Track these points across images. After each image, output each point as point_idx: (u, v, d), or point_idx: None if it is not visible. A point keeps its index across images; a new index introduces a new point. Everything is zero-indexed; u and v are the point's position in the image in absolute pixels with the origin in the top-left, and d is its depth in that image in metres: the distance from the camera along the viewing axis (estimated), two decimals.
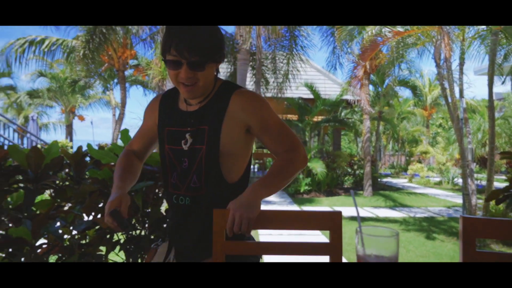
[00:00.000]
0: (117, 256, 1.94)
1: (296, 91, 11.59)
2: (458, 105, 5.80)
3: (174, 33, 1.06)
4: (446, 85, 5.76)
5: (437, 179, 14.02)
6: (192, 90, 1.13)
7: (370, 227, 0.74)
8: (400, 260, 0.68)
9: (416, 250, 4.71)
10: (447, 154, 14.79)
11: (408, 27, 5.91)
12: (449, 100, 5.73)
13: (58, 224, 1.63)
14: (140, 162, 1.39)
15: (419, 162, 17.80)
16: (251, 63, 9.09)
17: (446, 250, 4.69)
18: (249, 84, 10.19)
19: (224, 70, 10.83)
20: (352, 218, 6.74)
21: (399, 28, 6.15)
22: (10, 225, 1.71)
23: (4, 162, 1.82)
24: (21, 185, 1.87)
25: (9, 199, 1.92)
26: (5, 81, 19.95)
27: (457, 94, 5.96)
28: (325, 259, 1.08)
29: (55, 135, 21.76)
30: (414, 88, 12.57)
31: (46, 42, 7.29)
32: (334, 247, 1.07)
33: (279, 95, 10.38)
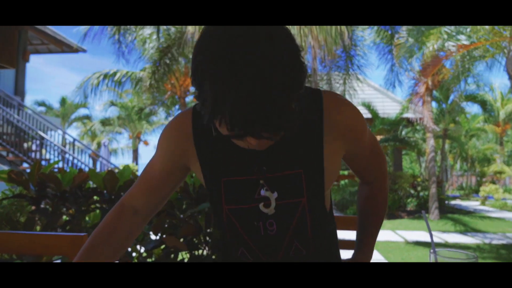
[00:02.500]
0: None
1: None
2: None
3: (228, 98, 0.56)
4: None
5: None
6: (265, 143, 0.70)
7: (445, 250, 0.71)
8: None
9: None
10: None
11: (474, 39, 5.59)
12: None
13: None
14: (143, 224, 0.85)
15: (493, 182, 16.26)
16: (306, 85, 9.13)
17: None
18: None
19: None
20: (417, 243, 6.30)
21: (464, 41, 5.83)
22: None
23: (84, 185, 2.01)
24: (98, 205, 2.05)
25: (87, 218, 2.12)
26: (82, 111, 22.46)
27: None
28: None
29: (123, 159, 23.53)
30: (483, 103, 11.73)
31: (118, 75, 8.02)
32: None
33: None
